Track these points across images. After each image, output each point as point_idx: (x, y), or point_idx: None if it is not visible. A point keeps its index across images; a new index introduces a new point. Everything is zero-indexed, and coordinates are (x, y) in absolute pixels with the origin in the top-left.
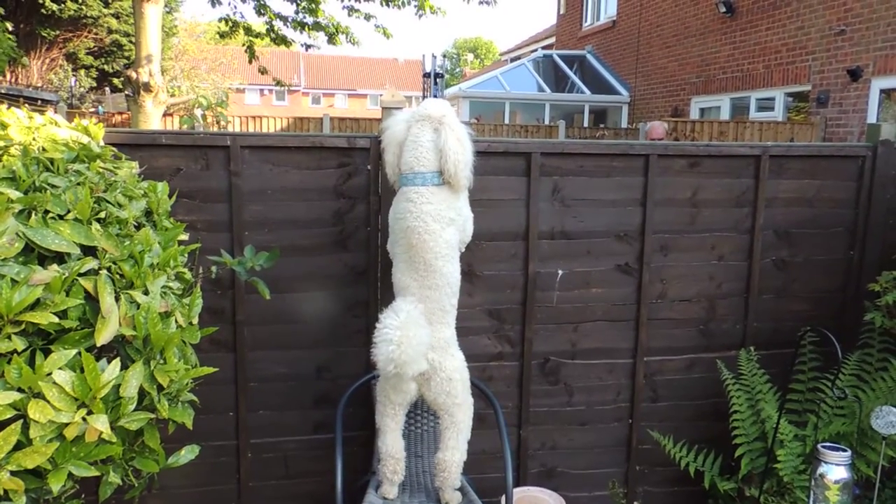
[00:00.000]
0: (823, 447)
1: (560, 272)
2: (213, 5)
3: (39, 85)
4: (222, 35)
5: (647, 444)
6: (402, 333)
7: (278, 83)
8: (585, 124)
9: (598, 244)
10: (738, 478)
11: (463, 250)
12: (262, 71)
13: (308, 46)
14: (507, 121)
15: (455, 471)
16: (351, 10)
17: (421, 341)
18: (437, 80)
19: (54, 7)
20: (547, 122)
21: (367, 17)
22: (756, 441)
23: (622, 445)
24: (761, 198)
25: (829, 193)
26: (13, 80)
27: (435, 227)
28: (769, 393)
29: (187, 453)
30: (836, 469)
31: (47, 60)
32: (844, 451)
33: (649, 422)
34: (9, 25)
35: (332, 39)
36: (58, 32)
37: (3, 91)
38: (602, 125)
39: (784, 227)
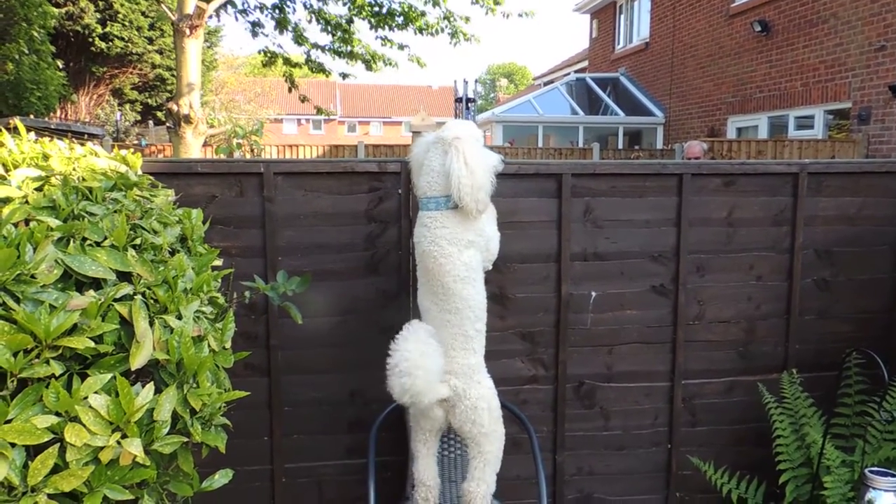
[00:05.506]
0: (872, 472)
1: (593, 294)
2: (254, 36)
3: (87, 120)
4: (265, 64)
5: (687, 469)
6: (410, 364)
7: (319, 111)
8: (620, 146)
9: (631, 265)
10: None
11: (489, 268)
12: (303, 99)
13: (345, 76)
14: (540, 144)
15: (480, 502)
16: (384, 41)
17: (431, 369)
18: (469, 104)
19: (103, 45)
20: (581, 144)
21: (401, 47)
22: (801, 467)
23: (661, 471)
24: (800, 216)
25: (871, 211)
26: (62, 115)
27: (451, 250)
28: (814, 417)
29: (221, 477)
30: (885, 495)
31: (94, 96)
32: (894, 476)
33: (689, 447)
34: (60, 63)
35: (369, 65)
36: (105, 69)
37: (52, 126)
38: (637, 147)
39: (825, 246)
